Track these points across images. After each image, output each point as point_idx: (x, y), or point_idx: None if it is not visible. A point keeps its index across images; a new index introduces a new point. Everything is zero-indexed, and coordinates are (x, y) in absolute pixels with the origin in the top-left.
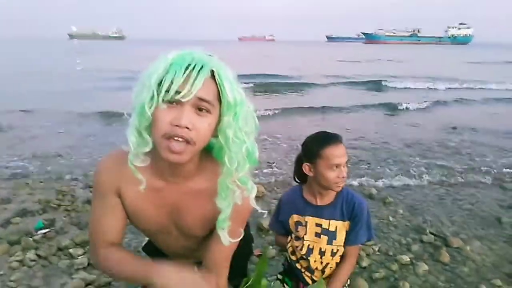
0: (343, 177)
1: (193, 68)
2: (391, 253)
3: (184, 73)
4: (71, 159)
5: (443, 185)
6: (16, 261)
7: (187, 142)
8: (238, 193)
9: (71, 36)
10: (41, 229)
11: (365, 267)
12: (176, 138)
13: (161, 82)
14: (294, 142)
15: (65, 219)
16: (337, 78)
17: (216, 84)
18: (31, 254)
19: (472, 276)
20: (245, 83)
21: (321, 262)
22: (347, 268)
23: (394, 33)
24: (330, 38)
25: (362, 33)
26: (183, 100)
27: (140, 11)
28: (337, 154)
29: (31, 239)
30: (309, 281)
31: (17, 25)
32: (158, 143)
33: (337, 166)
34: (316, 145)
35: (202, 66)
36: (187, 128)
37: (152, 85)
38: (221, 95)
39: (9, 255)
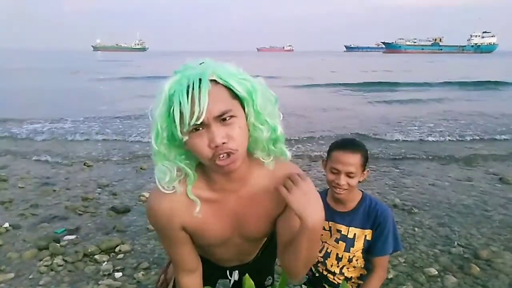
0: (338, 184)
1: (193, 88)
2: (417, 265)
3: (187, 97)
4: (97, 167)
5: (470, 195)
6: (45, 266)
7: (232, 153)
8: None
9: (95, 48)
10: (62, 232)
11: (391, 279)
12: (221, 157)
13: (170, 115)
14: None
15: (90, 225)
16: None
17: (223, 85)
18: (58, 260)
19: None
20: None
21: (338, 266)
22: (375, 280)
23: (414, 42)
24: (348, 48)
25: (382, 42)
26: (198, 122)
27: (160, 23)
28: (340, 159)
29: (58, 245)
30: (334, 282)
31: (44, 37)
32: (208, 166)
33: (337, 171)
34: (331, 146)
35: (201, 79)
36: (223, 143)
37: (158, 122)
38: (235, 93)
39: (38, 259)
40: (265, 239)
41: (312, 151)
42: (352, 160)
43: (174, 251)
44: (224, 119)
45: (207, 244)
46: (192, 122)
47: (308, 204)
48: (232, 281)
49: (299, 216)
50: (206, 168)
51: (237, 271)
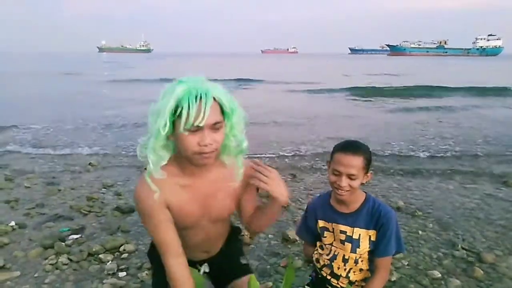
0: (340, 186)
1: (201, 98)
2: (421, 267)
3: (195, 105)
4: (101, 167)
5: (474, 199)
6: (50, 264)
7: (213, 152)
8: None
9: (100, 49)
10: (66, 231)
11: (394, 281)
12: (205, 155)
13: (175, 112)
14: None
15: (95, 225)
16: None
17: (217, 102)
18: (63, 259)
19: None
20: None
21: (345, 269)
22: (377, 281)
23: (419, 44)
24: (353, 51)
25: (387, 45)
26: (201, 125)
27: (165, 25)
28: (342, 161)
29: (63, 244)
30: (337, 286)
31: (50, 40)
32: (190, 157)
33: (339, 172)
34: (334, 148)
35: (206, 94)
36: (210, 144)
37: (167, 115)
38: (223, 108)
39: (43, 258)
40: (228, 230)
41: (316, 156)
42: (354, 162)
43: (161, 233)
44: (215, 127)
45: (183, 227)
46: (196, 124)
47: (281, 187)
48: (202, 272)
49: (276, 198)
50: (179, 159)
51: (206, 264)
